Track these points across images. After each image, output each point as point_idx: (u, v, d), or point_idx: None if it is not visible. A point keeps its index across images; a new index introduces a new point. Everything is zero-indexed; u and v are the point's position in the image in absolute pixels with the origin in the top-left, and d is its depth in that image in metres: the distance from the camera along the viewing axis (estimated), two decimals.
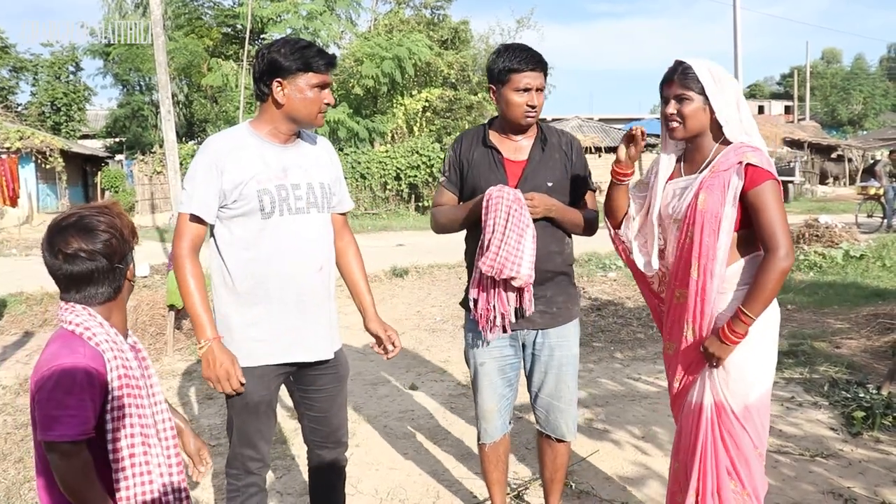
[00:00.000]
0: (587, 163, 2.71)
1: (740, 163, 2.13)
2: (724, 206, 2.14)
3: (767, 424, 2.24)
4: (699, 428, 2.24)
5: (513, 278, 2.38)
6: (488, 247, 2.39)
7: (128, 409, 1.54)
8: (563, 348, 2.63)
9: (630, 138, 2.34)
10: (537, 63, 2.48)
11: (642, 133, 2.31)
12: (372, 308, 2.53)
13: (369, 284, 2.57)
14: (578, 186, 2.64)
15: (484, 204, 2.43)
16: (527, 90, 2.47)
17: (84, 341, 1.53)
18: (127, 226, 1.62)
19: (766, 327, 2.22)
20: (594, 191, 2.71)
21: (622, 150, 2.38)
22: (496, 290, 2.47)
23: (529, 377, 2.70)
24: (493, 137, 2.61)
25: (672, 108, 2.25)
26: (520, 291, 2.47)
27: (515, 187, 2.50)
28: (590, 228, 2.66)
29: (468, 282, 2.62)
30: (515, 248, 2.37)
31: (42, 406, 1.46)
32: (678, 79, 2.23)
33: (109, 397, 1.51)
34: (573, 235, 2.67)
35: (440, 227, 2.70)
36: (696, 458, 2.24)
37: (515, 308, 2.50)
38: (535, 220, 2.46)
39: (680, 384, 2.34)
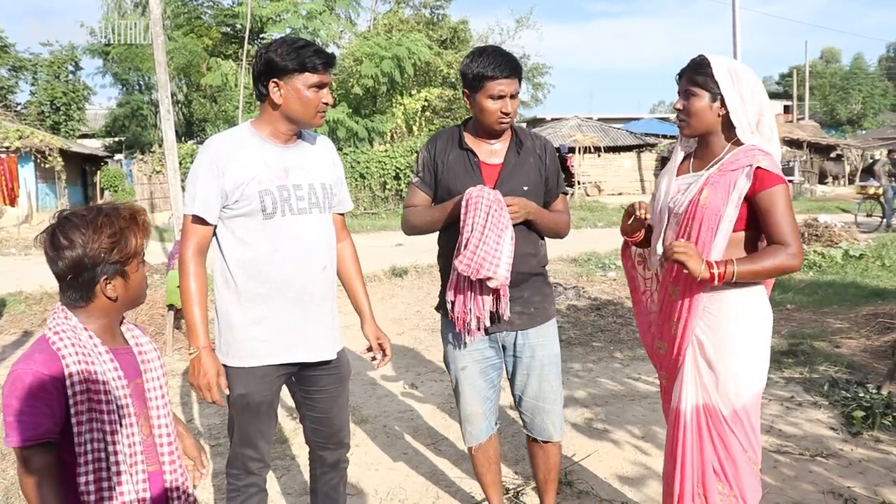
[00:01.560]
0: (560, 166, 2.71)
1: (750, 165, 2.10)
2: (726, 206, 2.11)
3: (758, 428, 2.22)
4: (678, 430, 2.24)
5: (489, 279, 2.36)
6: (466, 246, 2.37)
7: (89, 413, 1.52)
8: (545, 348, 2.62)
9: (629, 214, 2.40)
10: (512, 70, 2.45)
11: (643, 208, 2.34)
12: (369, 311, 2.52)
13: (366, 286, 2.56)
14: (552, 190, 2.66)
15: (463, 203, 2.41)
16: (501, 97, 2.45)
17: (48, 345, 1.54)
18: (105, 245, 1.56)
19: (758, 332, 2.20)
20: (566, 194, 2.71)
21: (624, 223, 2.45)
22: (472, 292, 2.46)
23: (512, 380, 2.69)
24: (469, 140, 2.60)
25: (679, 103, 2.23)
26: (496, 294, 2.46)
27: None
28: (562, 231, 2.68)
29: (443, 285, 2.62)
30: (494, 249, 2.35)
31: (2, 412, 1.49)
32: (688, 73, 2.20)
33: (71, 402, 1.50)
34: (545, 238, 2.68)
35: (413, 229, 2.66)
36: (676, 459, 2.25)
37: (492, 312, 2.49)
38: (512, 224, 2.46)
39: (667, 382, 2.34)
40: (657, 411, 4.18)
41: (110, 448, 1.55)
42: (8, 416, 1.47)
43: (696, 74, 2.19)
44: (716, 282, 2.07)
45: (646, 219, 2.37)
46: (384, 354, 2.50)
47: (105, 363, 1.59)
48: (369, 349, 2.52)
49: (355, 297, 2.52)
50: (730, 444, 2.18)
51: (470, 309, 2.47)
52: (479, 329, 2.51)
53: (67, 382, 1.51)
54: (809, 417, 4.02)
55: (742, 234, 2.17)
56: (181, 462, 1.77)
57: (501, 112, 2.47)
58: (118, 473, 1.55)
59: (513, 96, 2.47)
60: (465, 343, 2.58)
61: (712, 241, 2.13)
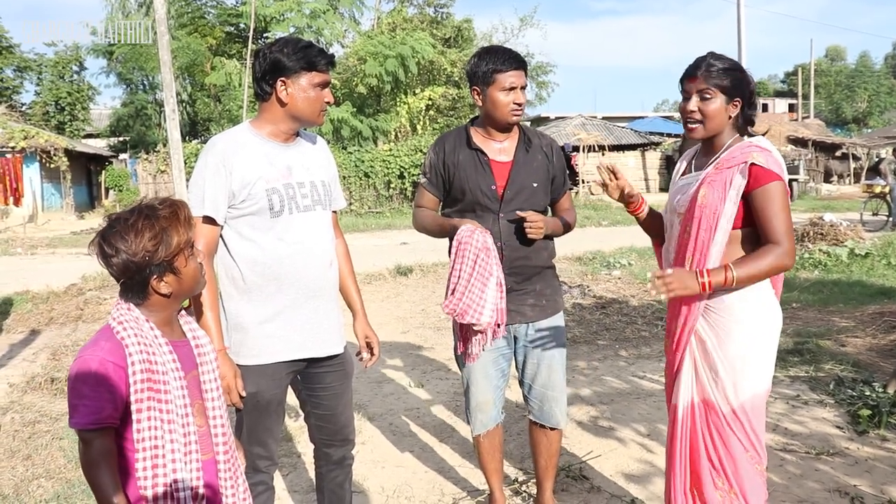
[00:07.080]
0: (565, 163, 2.83)
1: (745, 162, 2.09)
2: (723, 203, 2.10)
3: (761, 428, 2.21)
4: (674, 427, 2.25)
5: (473, 324, 2.47)
6: (453, 291, 2.48)
7: (148, 402, 1.59)
8: (554, 339, 2.72)
9: (603, 185, 2.44)
10: (519, 63, 2.58)
11: (606, 169, 2.41)
12: (361, 308, 2.52)
13: (357, 284, 2.57)
14: (559, 187, 2.77)
15: (454, 244, 2.51)
16: (512, 89, 2.55)
17: (112, 335, 1.61)
18: (149, 247, 1.61)
19: (762, 333, 2.18)
20: (571, 190, 2.81)
21: (607, 192, 2.44)
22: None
23: (522, 369, 2.77)
24: (477, 139, 2.67)
25: (693, 104, 2.17)
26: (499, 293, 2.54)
27: (504, 188, 2.60)
28: (572, 227, 2.81)
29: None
30: (478, 297, 2.46)
31: (67, 394, 1.59)
32: (702, 74, 2.13)
33: (132, 390, 1.58)
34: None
35: (421, 229, 2.79)
36: (673, 455, 2.26)
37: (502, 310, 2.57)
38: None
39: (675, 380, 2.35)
40: (662, 409, 4.18)
41: (167, 437, 1.62)
42: (73, 398, 1.56)
43: (712, 75, 2.13)
44: (707, 290, 2.08)
45: (617, 178, 2.41)
46: (371, 354, 2.51)
47: (165, 355, 1.65)
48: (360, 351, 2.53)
49: (348, 294, 2.52)
50: (729, 442, 2.17)
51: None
52: (496, 335, 2.59)
53: (130, 371, 1.58)
54: (815, 416, 4.02)
55: (740, 231, 2.14)
56: (235, 451, 1.83)
57: (514, 103, 2.56)
58: (174, 461, 1.63)
59: (522, 88, 2.58)
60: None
61: (711, 239, 2.13)
